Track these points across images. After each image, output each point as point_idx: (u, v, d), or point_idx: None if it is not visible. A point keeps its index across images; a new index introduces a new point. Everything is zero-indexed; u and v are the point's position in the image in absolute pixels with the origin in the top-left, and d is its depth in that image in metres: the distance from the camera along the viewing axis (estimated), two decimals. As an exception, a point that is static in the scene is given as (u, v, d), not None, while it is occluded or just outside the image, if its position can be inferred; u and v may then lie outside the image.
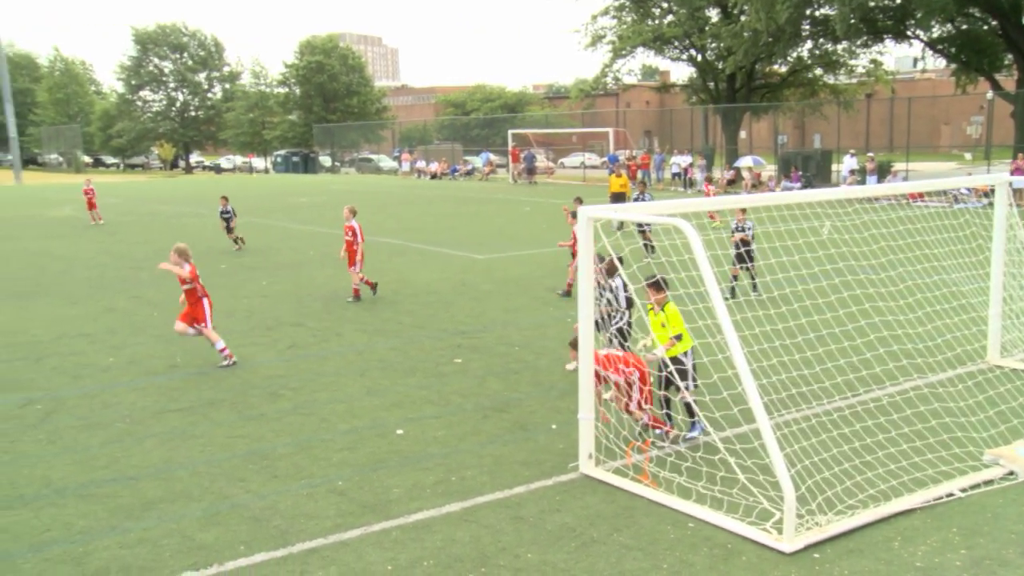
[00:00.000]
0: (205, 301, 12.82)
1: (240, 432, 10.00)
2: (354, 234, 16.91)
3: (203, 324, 12.80)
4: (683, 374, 9.10)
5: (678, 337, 9.15)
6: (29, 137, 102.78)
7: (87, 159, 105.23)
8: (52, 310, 16.97)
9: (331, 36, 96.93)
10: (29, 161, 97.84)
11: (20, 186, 68.95)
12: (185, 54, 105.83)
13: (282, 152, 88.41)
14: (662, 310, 9.25)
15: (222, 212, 25.94)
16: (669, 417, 9.43)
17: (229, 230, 25.82)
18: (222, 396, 11.37)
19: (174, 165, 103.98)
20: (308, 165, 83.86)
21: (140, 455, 9.36)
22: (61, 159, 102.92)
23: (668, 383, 9.24)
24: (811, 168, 41.90)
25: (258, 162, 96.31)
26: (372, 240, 25.63)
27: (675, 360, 9.07)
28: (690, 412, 9.32)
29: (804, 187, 38.01)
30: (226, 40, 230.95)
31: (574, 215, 17.63)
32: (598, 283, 11.01)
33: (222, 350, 12.82)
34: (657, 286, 9.30)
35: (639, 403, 9.10)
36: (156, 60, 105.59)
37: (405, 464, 8.92)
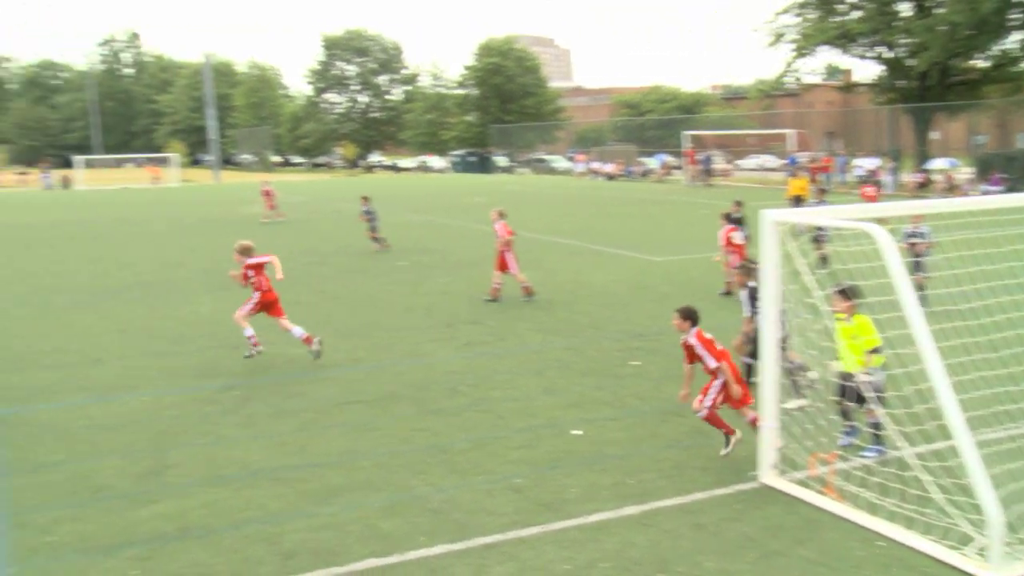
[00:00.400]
0: (256, 295, 13.15)
1: (419, 426, 10.26)
2: (503, 234, 17.26)
3: (240, 310, 13.13)
4: (874, 389, 8.66)
5: (876, 350, 8.71)
6: (226, 139, 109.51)
7: (277, 158, 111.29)
8: (247, 302, 17.92)
9: (508, 38, 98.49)
10: (225, 161, 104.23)
11: (219, 185, 73.67)
12: (367, 57, 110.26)
13: (459, 152, 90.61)
14: (850, 320, 8.84)
15: (365, 212, 25.83)
16: (853, 428, 9.02)
17: (372, 230, 25.77)
18: (402, 390, 11.70)
19: (354, 164, 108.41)
20: (484, 165, 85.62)
21: (325, 443, 9.76)
22: (254, 159, 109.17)
23: (857, 396, 8.81)
24: (1015, 170, 39.17)
25: (435, 162, 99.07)
26: (548, 240, 25.89)
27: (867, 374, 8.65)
28: (876, 430, 8.87)
29: (1007, 191, 35.55)
30: (404, 43, 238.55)
31: (727, 217, 17.40)
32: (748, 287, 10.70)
33: (250, 338, 13.07)
34: (844, 294, 8.89)
35: (714, 400, 8.83)
36: (341, 64, 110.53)
37: (582, 464, 8.91)
